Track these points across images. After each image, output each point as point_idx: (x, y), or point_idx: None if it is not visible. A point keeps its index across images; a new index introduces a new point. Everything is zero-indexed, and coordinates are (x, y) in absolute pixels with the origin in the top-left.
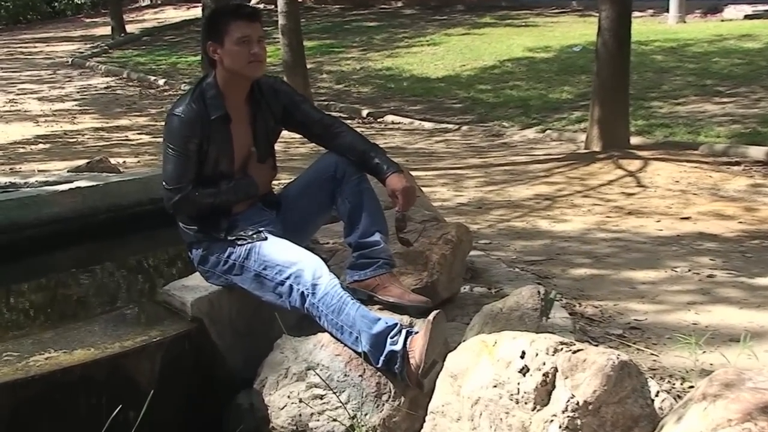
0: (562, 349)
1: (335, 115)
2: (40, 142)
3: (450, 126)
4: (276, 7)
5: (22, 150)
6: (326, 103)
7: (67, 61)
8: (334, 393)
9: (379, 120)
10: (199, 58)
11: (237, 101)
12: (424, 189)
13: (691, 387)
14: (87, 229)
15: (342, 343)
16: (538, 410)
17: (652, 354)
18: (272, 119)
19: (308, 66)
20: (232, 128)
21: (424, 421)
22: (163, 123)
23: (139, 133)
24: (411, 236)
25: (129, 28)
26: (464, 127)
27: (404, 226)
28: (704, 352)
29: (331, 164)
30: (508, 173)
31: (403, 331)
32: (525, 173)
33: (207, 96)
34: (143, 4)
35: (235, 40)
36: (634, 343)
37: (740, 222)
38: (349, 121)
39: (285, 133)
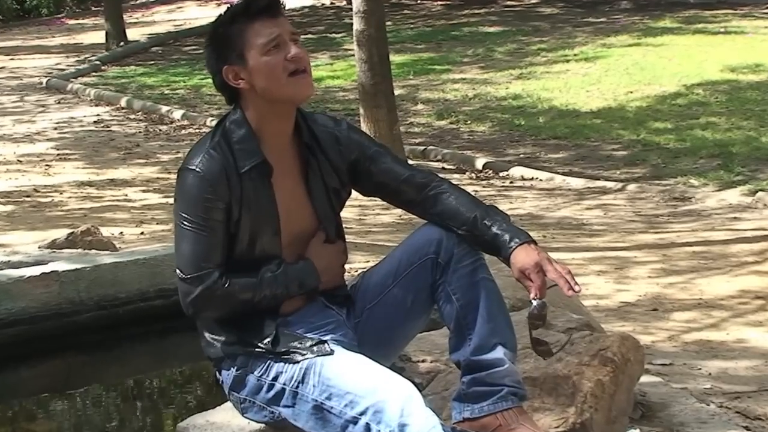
0: None
1: (434, 167)
2: None
3: (609, 184)
4: (348, 2)
5: None
6: (422, 148)
7: (41, 83)
8: None
9: (501, 175)
10: None
11: (279, 144)
12: None
13: None
14: (66, 333)
15: None
16: None
17: None
18: (334, 176)
19: (396, 92)
20: (276, 183)
21: None
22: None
23: (144, 191)
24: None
25: (131, 33)
26: (631, 186)
27: (542, 324)
28: None
29: (431, 242)
30: (699, 257)
31: None
32: (724, 258)
33: (233, 138)
34: (152, 0)
35: (261, 47)
36: None
37: None
38: (456, 177)
39: (357, 194)
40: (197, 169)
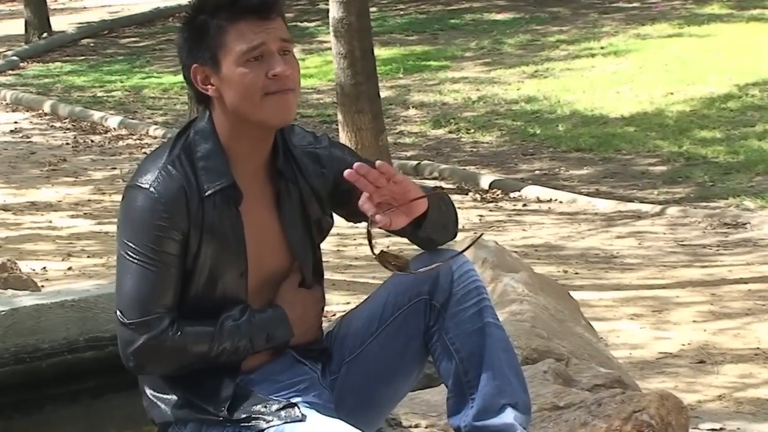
0: None
1: (430, 185)
2: None
3: (645, 207)
4: None
5: None
6: (414, 163)
7: None
8: None
9: (512, 196)
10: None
11: (251, 166)
12: (598, 323)
13: None
14: None
15: None
16: None
17: None
18: (315, 204)
19: (383, 94)
20: (245, 212)
21: None
22: (117, 199)
23: (72, 216)
24: (574, 417)
25: (56, 23)
26: (671, 210)
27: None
28: None
29: (424, 280)
30: (755, 297)
31: None
32: None
33: (198, 153)
34: None
35: (239, 55)
36: None
37: None
38: (457, 199)
39: (336, 219)
40: (150, 189)
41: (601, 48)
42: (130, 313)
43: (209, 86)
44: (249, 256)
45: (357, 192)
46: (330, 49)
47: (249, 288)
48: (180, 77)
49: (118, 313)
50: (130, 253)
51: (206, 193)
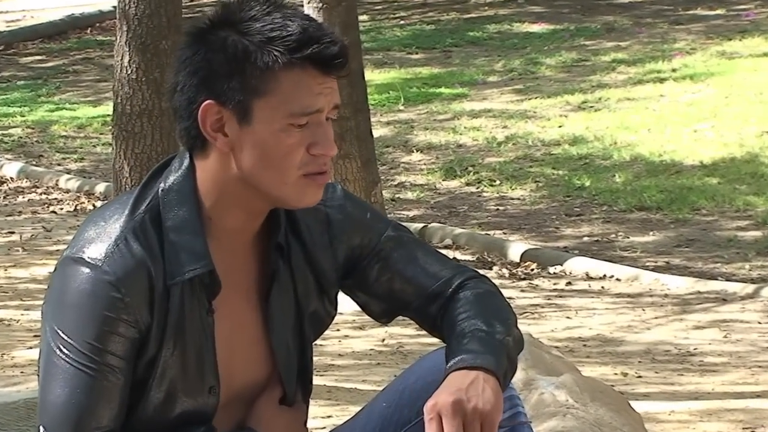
0: None
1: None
2: None
3: (732, 287)
4: None
5: None
6: (419, 226)
7: None
8: None
9: (552, 271)
10: (108, 110)
11: (237, 241)
12: None
13: None
14: None
15: None
16: None
17: None
18: (315, 289)
19: (377, 132)
20: (219, 306)
21: None
22: (15, 275)
23: None
24: None
25: None
26: None
27: None
28: None
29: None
30: None
31: None
32: None
33: (168, 221)
34: None
35: (287, 114)
36: None
37: None
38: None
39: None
40: (102, 267)
41: (673, 71)
42: (57, 429)
43: (220, 135)
44: (219, 366)
45: (377, 282)
46: None
47: (218, 405)
48: (103, 109)
49: (41, 430)
50: (64, 350)
51: (174, 281)
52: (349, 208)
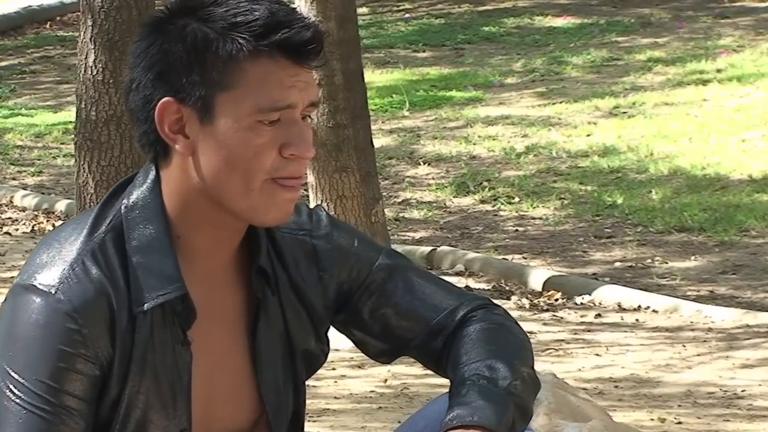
0: None
1: (452, 281)
2: None
3: None
4: None
5: None
6: (426, 250)
7: None
8: None
9: (579, 302)
10: (70, 116)
11: (212, 263)
12: None
13: None
14: None
15: None
16: None
17: None
18: (308, 325)
19: (378, 142)
20: (197, 338)
21: None
22: None
23: None
24: None
25: None
26: None
27: None
28: None
29: None
30: None
31: None
32: None
33: (133, 241)
34: None
35: (252, 110)
36: None
37: None
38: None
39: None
40: (56, 295)
41: (718, 71)
42: None
43: (180, 136)
44: (195, 406)
45: (372, 318)
46: None
47: None
48: (65, 115)
49: None
50: (16, 391)
51: (141, 308)
52: (336, 237)
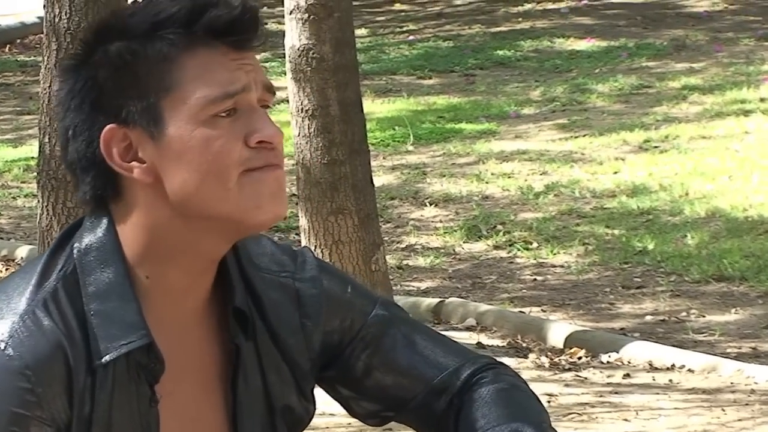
0: None
1: (460, 341)
2: None
3: None
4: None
5: None
6: (433, 302)
7: None
8: None
9: (606, 360)
10: (32, 152)
11: (182, 308)
12: None
13: None
14: None
15: None
16: None
17: None
18: (290, 379)
19: (379, 181)
20: (166, 396)
21: None
22: None
23: None
24: None
25: None
26: None
27: None
28: None
29: None
30: None
31: None
32: None
33: (89, 287)
34: None
35: (201, 106)
36: None
37: None
38: (510, 363)
39: None
40: (4, 350)
41: (761, 100)
42: None
43: (134, 163)
44: None
45: (365, 376)
46: (286, 100)
47: None
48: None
49: None
50: None
51: (101, 361)
52: (324, 282)
